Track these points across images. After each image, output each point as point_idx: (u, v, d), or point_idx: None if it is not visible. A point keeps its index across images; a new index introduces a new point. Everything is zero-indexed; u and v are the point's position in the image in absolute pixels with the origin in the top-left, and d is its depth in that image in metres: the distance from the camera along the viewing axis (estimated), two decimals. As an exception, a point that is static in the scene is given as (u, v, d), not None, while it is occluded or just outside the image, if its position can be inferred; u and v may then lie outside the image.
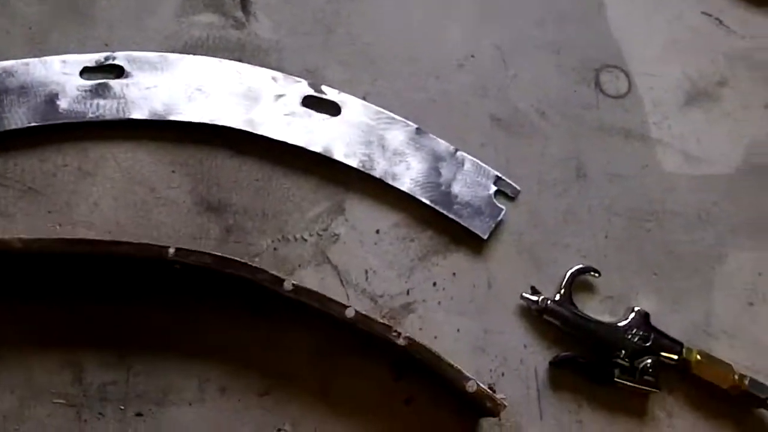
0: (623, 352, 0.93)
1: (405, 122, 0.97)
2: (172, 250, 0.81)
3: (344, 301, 0.87)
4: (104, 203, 0.88)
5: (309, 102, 0.95)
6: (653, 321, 0.95)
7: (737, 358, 0.98)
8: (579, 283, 0.96)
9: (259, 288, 0.83)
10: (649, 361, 0.93)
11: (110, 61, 0.92)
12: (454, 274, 0.94)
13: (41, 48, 0.93)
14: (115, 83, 0.92)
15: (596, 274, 0.96)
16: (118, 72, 0.92)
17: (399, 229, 0.94)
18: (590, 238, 0.99)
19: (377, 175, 0.94)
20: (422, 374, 0.88)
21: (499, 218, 0.95)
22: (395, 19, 1.05)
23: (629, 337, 0.94)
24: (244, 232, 0.90)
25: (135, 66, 0.93)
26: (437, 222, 0.95)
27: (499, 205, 0.96)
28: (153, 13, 1.00)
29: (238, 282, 0.83)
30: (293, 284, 0.83)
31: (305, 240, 0.92)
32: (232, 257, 0.83)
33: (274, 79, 0.96)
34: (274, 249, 0.91)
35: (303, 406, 0.86)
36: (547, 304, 0.93)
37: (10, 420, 0.80)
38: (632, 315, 0.95)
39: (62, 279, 0.84)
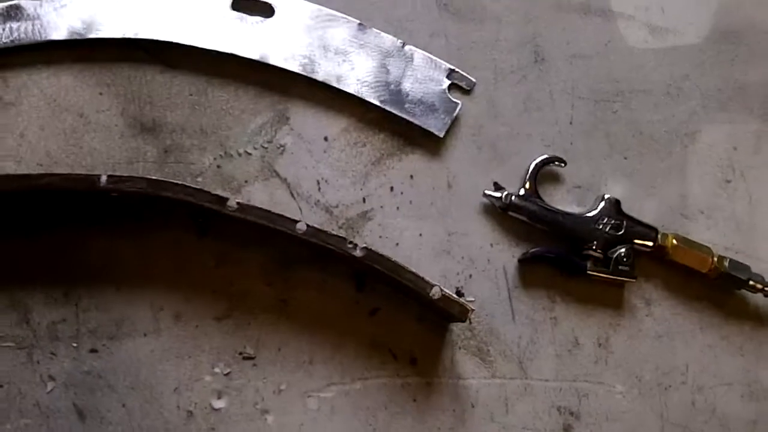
0: (595, 243, 0.91)
1: (346, 18, 0.91)
2: (104, 178, 0.78)
3: (297, 215, 0.84)
4: (31, 134, 0.84)
5: (240, 4, 0.89)
6: (625, 208, 0.92)
7: (716, 239, 0.96)
8: (545, 174, 0.93)
9: (201, 209, 0.80)
10: (623, 250, 0.91)
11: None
12: (411, 176, 0.91)
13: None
14: (26, 3, 0.85)
15: (562, 164, 0.93)
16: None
17: (349, 135, 0.90)
18: (554, 126, 0.95)
19: (320, 79, 0.89)
20: (385, 284, 0.86)
21: (455, 114, 0.91)
22: None
23: (600, 226, 0.91)
24: (183, 151, 0.87)
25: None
26: (389, 123, 0.91)
27: (454, 100, 0.92)
28: None
29: (180, 204, 0.80)
30: (237, 202, 0.80)
31: (249, 154, 0.88)
32: (169, 180, 0.79)
33: None
34: (218, 166, 0.87)
35: (263, 326, 0.85)
36: (511, 199, 0.90)
37: (-43, 367, 0.79)
38: (602, 203, 0.92)
39: (-5, 217, 0.81)
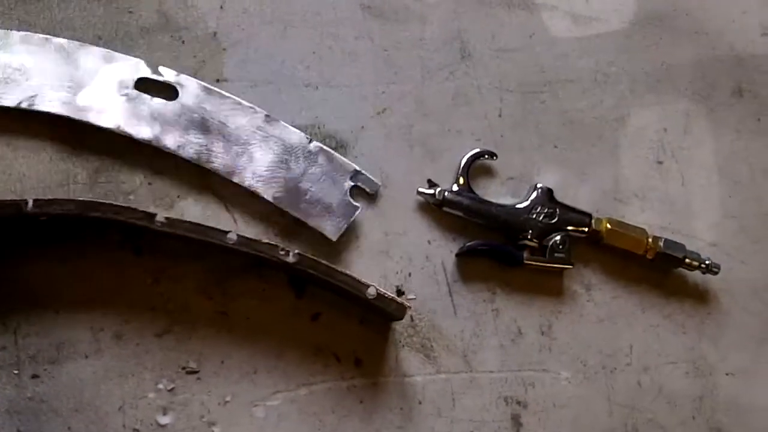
0: (530, 232, 0.93)
1: (254, 108, 0.90)
2: (31, 202, 0.79)
3: (231, 227, 0.86)
4: (-42, 165, 0.86)
5: (144, 86, 0.89)
6: (560, 196, 0.95)
7: (651, 220, 0.99)
8: (477, 168, 0.95)
9: (132, 227, 0.82)
10: (558, 237, 0.93)
11: None
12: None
13: None
14: None
15: (493, 157, 0.95)
16: None
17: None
18: (483, 120, 0.97)
19: (213, 169, 0.89)
20: (323, 288, 0.88)
21: (353, 219, 0.90)
22: None
23: (534, 216, 0.94)
24: (113, 171, 0.88)
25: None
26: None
27: (355, 203, 0.90)
28: None
29: (111, 224, 0.82)
30: (166, 218, 0.82)
31: (179, 169, 0.89)
32: (96, 200, 0.81)
33: (106, 58, 0.89)
34: (149, 183, 0.89)
35: (205, 339, 0.86)
36: (444, 195, 0.92)
37: None
38: (534, 193, 0.95)
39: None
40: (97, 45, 0.91)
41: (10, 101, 0.86)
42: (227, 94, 0.90)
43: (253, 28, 0.96)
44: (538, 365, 0.93)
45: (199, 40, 0.95)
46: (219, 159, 0.88)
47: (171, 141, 0.88)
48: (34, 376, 0.83)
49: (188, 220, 0.82)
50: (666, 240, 0.95)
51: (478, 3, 1.00)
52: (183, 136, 0.88)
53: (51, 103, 0.86)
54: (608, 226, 0.94)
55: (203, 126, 0.88)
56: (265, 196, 0.88)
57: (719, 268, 0.95)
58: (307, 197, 0.89)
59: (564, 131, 0.99)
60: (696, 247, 0.96)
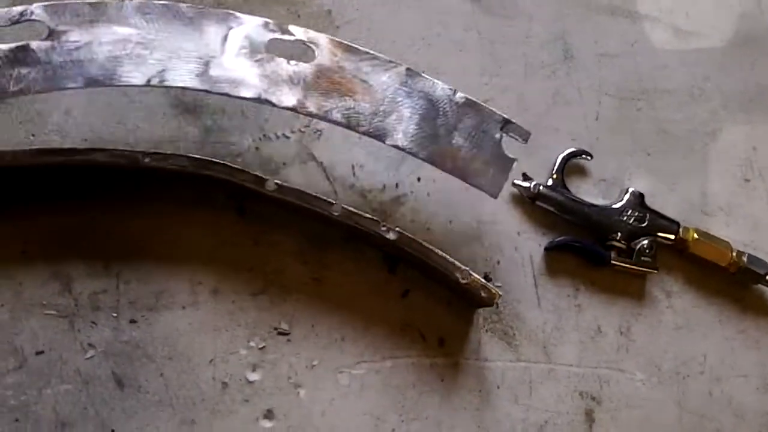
0: (619, 234, 0.97)
1: (394, 63, 0.87)
2: (147, 156, 0.83)
3: (332, 198, 0.90)
4: (77, 111, 0.90)
5: (277, 48, 0.85)
6: (648, 202, 0.99)
7: (735, 235, 1.02)
8: (571, 166, 0.99)
9: (242, 189, 0.86)
10: (646, 242, 0.97)
11: (27, 17, 0.79)
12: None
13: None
14: (37, 45, 0.79)
15: (588, 157, 0.99)
16: (41, 30, 0.80)
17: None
18: (581, 121, 1.02)
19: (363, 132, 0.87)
20: (416, 267, 0.92)
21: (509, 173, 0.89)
22: None
23: (624, 218, 0.98)
24: (223, 132, 0.92)
25: (60, 20, 0.80)
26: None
27: (510, 156, 0.88)
28: None
29: (220, 183, 0.86)
30: (276, 183, 0.85)
31: (287, 137, 0.94)
32: (211, 158, 0.85)
33: (230, 21, 0.85)
34: (256, 148, 0.93)
35: (298, 303, 0.90)
36: (539, 189, 0.96)
37: (4, 331, 0.84)
38: (627, 196, 0.99)
39: (40, 190, 0.87)
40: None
41: (138, 79, 0.81)
42: (363, 49, 0.87)
43: (366, 9, 1.01)
44: (614, 364, 0.96)
45: (314, 16, 1.00)
46: (368, 121, 0.85)
47: (314, 106, 0.84)
48: (132, 321, 0.87)
49: (297, 187, 0.86)
50: (750, 255, 0.99)
51: (584, 6, 1.05)
52: (327, 100, 0.85)
53: (183, 77, 0.82)
54: (695, 235, 0.98)
55: (344, 87, 0.85)
56: (421, 156, 0.86)
57: (798, 289, 0.99)
58: (462, 154, 0.86)
59: (657, 140, 1.03)
60: (777, 266, 1.00)
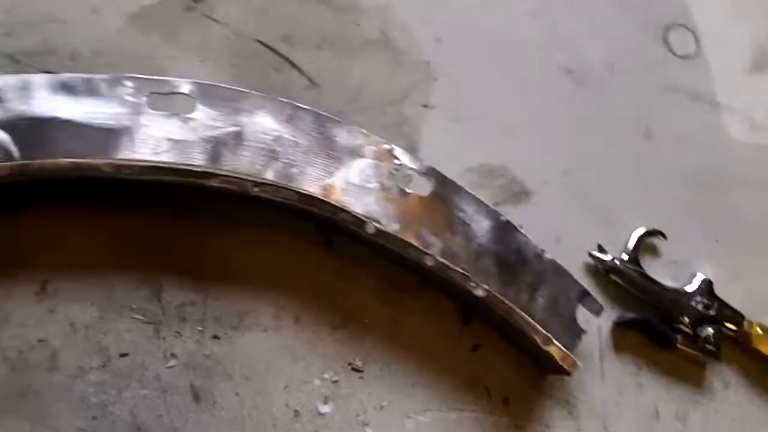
0: (687, 318, 1.03)
1: (495, 211, 0.97)
2: (257, 186, 0.89)
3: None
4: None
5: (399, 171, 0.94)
6: (715, 289, 1.06)
7: (799, 334, 1.08)
8: (644, 244, 1.06)
9: (339, 226, 0.92)
10: (712, 330, 1.03)
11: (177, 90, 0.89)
12: (521, 226, 1.02)
13: None
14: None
15: (663, 238, 1.06)
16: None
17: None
18: (656, 200, 1.09)
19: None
20: (492, 323, 0.98)
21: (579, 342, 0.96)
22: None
23: (693, 303, 1.04)
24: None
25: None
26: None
27: (582, 326, 0.97)
28: None
29: (316, 217, 0.92)
30: (375, 227, 0.91)
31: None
32: (317, 195, 0.90)
33: (360, 137, 0.93)
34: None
35: (374, 342, 0.95)
36: (615, 263, 1.03)
37: (92, 330, 0.88)
38: (697, 282, 1.05)
39: (145, 198, 0.92)
40: (326, 47, 1.03)
41: (270, 174, 0.89)
42: (468, 191, 0.96)
43: (464, 65, 1.08)
44: (668, 448, 1.01)
45: (414, 65, 1.07)
46: (455, 260, 0.92)
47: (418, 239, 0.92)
48: (215, 337, 0.92)
49: (400, 236, 0.92)
50: (811, 357, 1.05)
51: (666, 89, 1.14)
52: (434, 234, 0.93)
53: (310, 182, 0.90)
54: (759, 330, 1.04)
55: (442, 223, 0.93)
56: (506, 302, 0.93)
57: None
58: (537, 312, 0.94)
59: (728, 228, 1.10)
60: (838, 375, 1.06)
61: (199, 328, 0.91)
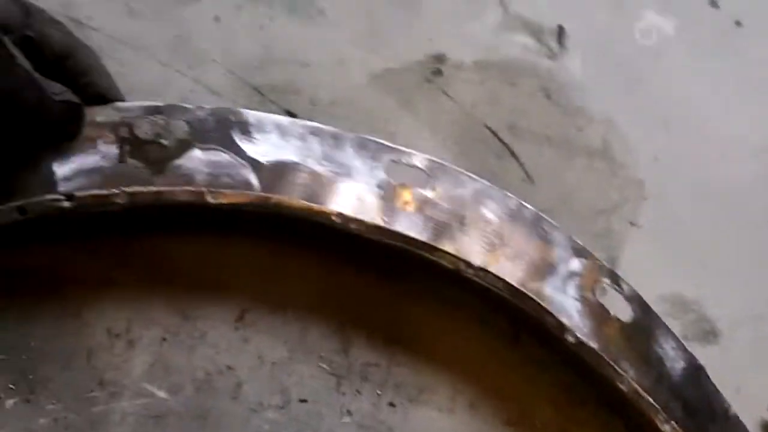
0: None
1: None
2: (470, 267, 0.90)
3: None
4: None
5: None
6: None
7: None
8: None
9: (538, 328, 0.92)
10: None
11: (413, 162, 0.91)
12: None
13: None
14: None
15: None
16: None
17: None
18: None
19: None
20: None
21: None
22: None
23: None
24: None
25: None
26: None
27: None
28: (476, 19, 1.11)
29: (518, 314, 0.92)
30: (576, 337, 0.90)
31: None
32: (529, 294, 0.90)
33: (572, 250, 0.93)
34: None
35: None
36: (796, 427, 1.00)
37: (278, 368, 0.90)
38: None
39: (353, 252, 0.93)
40: (547, 144, 1.05)
41: (484, 260, 0.91)
42: (668, 327, 0.95)
43: (678, 190, 1.08)
44: None
45: (628, 180, 1.07)
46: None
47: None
48: (391, 405, 0.92)
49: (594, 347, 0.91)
50: None
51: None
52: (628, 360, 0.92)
53: (520, 277, 0.91)
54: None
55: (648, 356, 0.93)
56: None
57: None
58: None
59: None
60: None
61: (378, 392, 0.91)
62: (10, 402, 0.85)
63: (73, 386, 0.87)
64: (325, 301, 0.93)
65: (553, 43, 1.12)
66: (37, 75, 0.74)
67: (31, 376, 0.86)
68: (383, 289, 0.94)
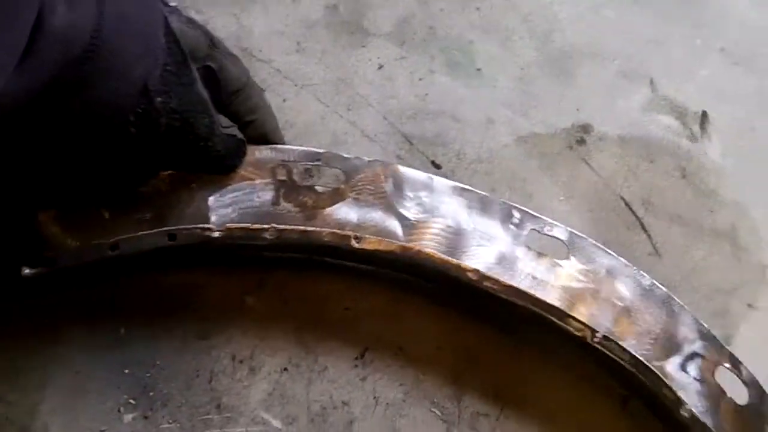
0: None
1: None
2: (596, 338, 0.91)
3: None
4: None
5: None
6: None
7: None
8: None
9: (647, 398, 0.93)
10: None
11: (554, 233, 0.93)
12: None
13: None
14: None
15: None
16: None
17: None
18: None
19: None
20: None
21: None
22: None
23: None
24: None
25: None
26: None
27: None
28: (625, 96, 1.13)
29: (634, 382, 0.93)
30: (692, 412, 0.91)
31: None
32: (650, 365, 0.91)
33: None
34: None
35: None
36: None
37: (391, 410, 0.93)
38: None
39: (478, 307, 0.96)
40: (678, 222, 1.06)
41: (612, 330, 0.92)
42: None
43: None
44: None
45: (751, 265, 1.07)
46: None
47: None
48: (463, 449, 0.95)
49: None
50: None
51: None
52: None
53: (643, 352, 0.92)
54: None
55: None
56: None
57: None
58: None
59: None
60: None
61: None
62: (128, 416, 0.88)
63: (191, 407, 0.90)
64: (442, 350, 0.95)
65: (696, 127, 1.13)
66: (211, 105, 0.75)
67: (151, 393, 0.89)
68: (500, 344, 0.95)
